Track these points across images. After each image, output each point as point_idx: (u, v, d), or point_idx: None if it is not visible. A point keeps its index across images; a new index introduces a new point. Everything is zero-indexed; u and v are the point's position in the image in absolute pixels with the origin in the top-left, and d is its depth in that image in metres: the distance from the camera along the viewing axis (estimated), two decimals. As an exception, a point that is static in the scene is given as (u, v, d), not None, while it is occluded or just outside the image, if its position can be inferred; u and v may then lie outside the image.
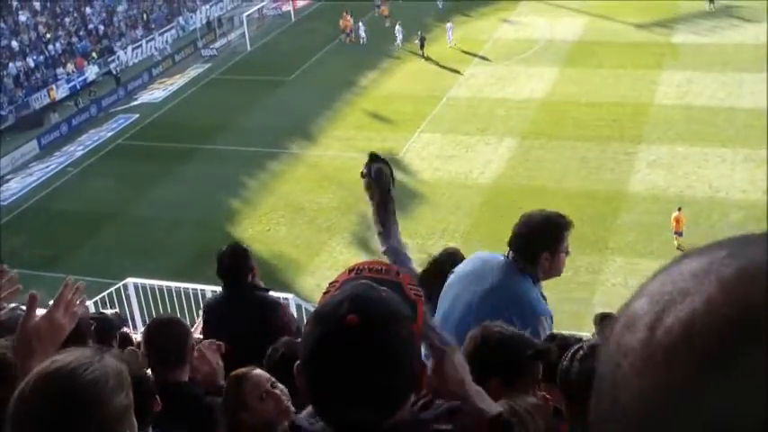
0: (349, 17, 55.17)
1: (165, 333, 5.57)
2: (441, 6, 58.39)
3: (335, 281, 2.59)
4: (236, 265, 7.38)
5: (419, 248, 31.50)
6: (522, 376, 4.09)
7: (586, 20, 54.73)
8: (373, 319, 2.15)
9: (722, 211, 32.33)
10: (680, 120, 39.93)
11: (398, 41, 51.97)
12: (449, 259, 6.66)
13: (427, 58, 49.15)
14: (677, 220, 30.18)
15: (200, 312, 8.03)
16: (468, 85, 46.22)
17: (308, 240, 32.83)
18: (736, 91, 42.45)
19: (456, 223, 32.94)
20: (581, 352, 3.99)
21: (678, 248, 29.73)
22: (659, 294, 0.78)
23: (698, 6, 55.06)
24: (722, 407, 0.69)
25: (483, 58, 49.83)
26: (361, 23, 53.58)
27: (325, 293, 2.50)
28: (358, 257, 30.64)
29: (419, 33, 50.17)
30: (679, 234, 29.94)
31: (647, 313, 0.77)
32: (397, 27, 52.24)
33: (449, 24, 52.95)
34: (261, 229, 34.07)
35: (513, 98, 43.91)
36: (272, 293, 7.89)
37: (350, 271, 2.68)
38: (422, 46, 49.67)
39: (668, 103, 41.94)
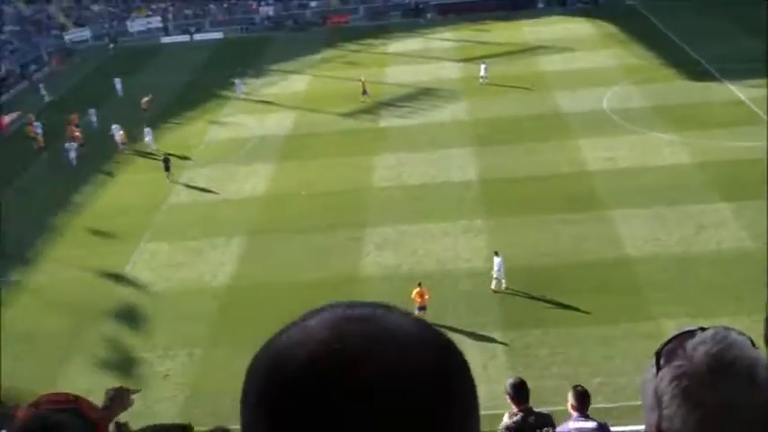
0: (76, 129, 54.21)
1: None
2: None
3: (14, 416, 2.72)
4: None
5: (160, 359, 30.60)
6: None
7: (295, 114, 56.00)
8: None
9: (452, 282, 33.62)
10: (399, 200, 41.40)
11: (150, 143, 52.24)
12: None
13: (173, 181, 46.75)
14: (420, 295, 30.70)
15: None
16: (187, 190, 45.68)
17: (43, 371, 30.81)
18: (446, 166, 44.72)
19: (197, 330, 32.11)
20: None
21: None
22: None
23: (398, 91, 57.88)
24: None
25: (196, 161, 49.51)
26: (71, 144, 51.58)
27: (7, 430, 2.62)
28: (98, 379, 29.18)
29: (165, 155, 48.35)
30: (423, 309, 30.39)
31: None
32: (147, 130, 52.64)
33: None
34: (-13, 366, 31.64)
35: (235, 197, 43.89)
36: None
37: (30, 406, 2.71)
38: (167, 168, 47.14)
39: (385, 185, 43.44)
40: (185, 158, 49.47)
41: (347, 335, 1.35)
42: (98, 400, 2.97)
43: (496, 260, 32.71)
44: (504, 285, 32.56)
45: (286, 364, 1.36)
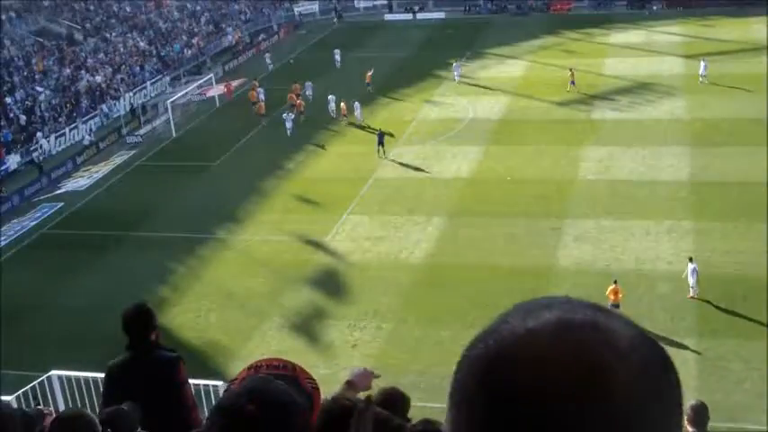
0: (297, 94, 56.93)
1: (71, 429, 5.42)
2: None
3: (236, 378, 2.72)
4: (141, 322, 7.61)
5: (350, 329, 31.40)
6: None
7: (508, 99, 55.88)
8: (270, 408, 2.28)
9: (649, 283, 32.79)
10: (604, 194, 40.67)
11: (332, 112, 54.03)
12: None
13: (383, 156, 47.28)
14: (615, 293, 30.27)
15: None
16: (394, 165, 46.54)
17: (238, 326, 32.39)
18: (657, 164, 43.51)
19: (388, 304, 32.82)
20: None
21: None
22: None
23: (615, 84, 56.71)
24: None
25: (407, 138, 50.33)
26: (288, 115, 53.39)
27: (226, 390, 2.64)
28: (290, 342, 30.41)
29: (380, 129, 48.81)
30: (616, 306, 29.96)
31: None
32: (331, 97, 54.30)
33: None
34: (191, 316, 33.51)
35: (440, 177, 44.35)
36: (172, 353, 8.00)
37: (249, 368, 2.80)
38: (381, 143, 47.50)
39: (591, 178, 42.75)
40: (394, 135, 50.22)
41: (573, 345, 1.35)
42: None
43: (690, 266, 31.68)
44: (696, 292, 31.50)
45: (511, 375, 1.34)
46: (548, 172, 43.61)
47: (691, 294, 31.50)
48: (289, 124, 52.21)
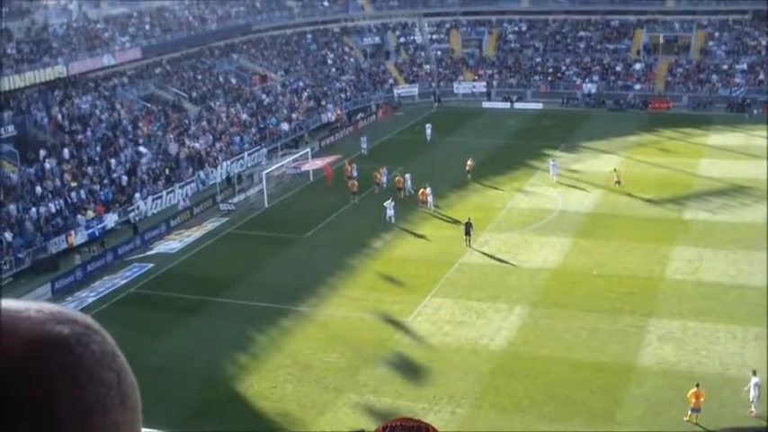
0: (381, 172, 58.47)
1: None
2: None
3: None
4: None
5: (424, 411, 31.25)
6: None
7: (599, 193, 55.71)
8: None
9: (733, 389, 31.99)
10: (691, 295, 40.07)
11: (430, 203, 53.89)
12: None
13: (470, 245, 47.11)
14: (696, 396, 29.51)
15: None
16: (481, 252, 46.61)
17: (313, 399, 32.56)
18: (747, 269, 42.76)
19: (464, 389, 32.66)
20: None
21: (690, 423, 29.50)
22: None
23: (709, 185, 56.15)
24: None
25: (495, 225, 50.45)
26: (390, 203, 52.88)
27: None
28: (363, 420, 30.42)
29: (468, 219, 48.22)
30: (697, 411, 29.33)
31: None
32: (428, 190, 54.19)
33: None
34: (267, 385, 33.84)
35: (526, 266, 44.25)
36: None
37: (384, 428, 2.86)
38: (467, 233, 47.36)
39: (679, 278, 42.17)
40: (481, 223, 50.17)
41: None
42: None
43: (753, 380, 30.37)
44: (757, 408, 29.97)
45: None
46: (635, 269, 43.21)
47: (751, 411, 30.17)
48: (390, 212, 51.91)
